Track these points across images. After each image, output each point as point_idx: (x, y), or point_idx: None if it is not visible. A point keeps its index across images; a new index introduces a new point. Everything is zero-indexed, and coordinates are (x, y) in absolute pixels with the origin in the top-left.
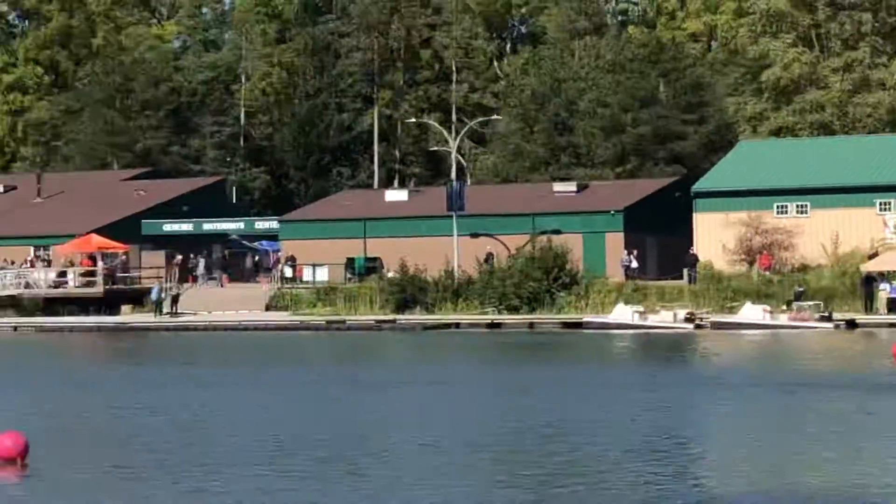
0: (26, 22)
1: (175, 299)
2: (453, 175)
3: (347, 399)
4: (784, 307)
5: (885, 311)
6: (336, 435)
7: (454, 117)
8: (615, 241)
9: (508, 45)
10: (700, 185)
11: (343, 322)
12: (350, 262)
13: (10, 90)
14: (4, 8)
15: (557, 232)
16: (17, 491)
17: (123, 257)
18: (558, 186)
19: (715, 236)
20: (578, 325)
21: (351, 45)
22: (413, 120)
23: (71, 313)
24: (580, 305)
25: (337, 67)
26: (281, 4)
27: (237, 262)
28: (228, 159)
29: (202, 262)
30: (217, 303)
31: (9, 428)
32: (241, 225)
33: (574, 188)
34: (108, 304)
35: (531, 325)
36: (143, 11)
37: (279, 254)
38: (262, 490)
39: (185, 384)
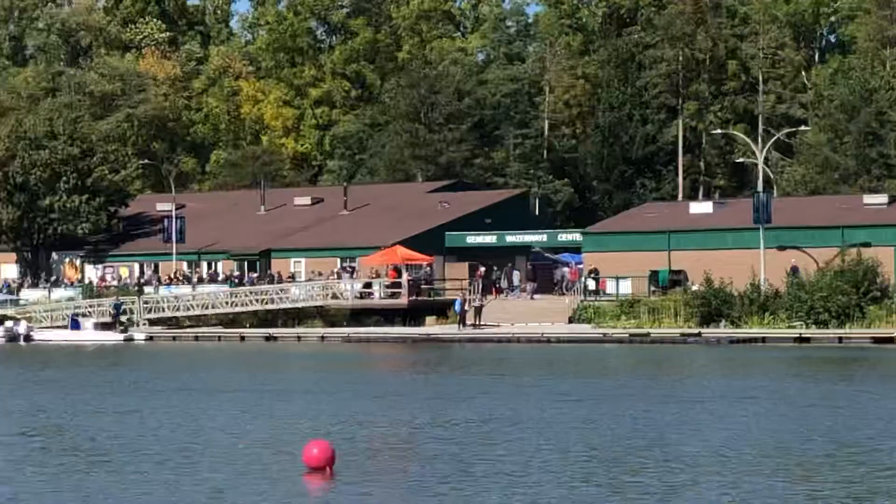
0: (333, 37)
1: (478, 311)
2: (759, 187)
3: (652, 412)
4: None
5: None
6: (637, 447)
7: (760, 128)
8: None
9: (817, 55)
10: None
11: (647, 335)
12: (654, 275)
13: (318, 104)
14: (313, 24)
15: (867, 245)
16: (324, 499)
17: (428, 269)
18: (868, 198)
19: None
20: (890, 339)
21: (655, 57)
22: (718, 131)
23: (376, 324)
24: (892, 320)
25: (641, 79)
26: (585, 16)
27: (541, 275)
28: (531, 171)
29: (516, 274)
30: (519, 314)
31: (316, 437)
32: (544, 237)
33: (885, 200)
34: (412, 314)
35: (840, 339)
36: (447, 25)
37: (581, 266)
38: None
39: (486, 395)
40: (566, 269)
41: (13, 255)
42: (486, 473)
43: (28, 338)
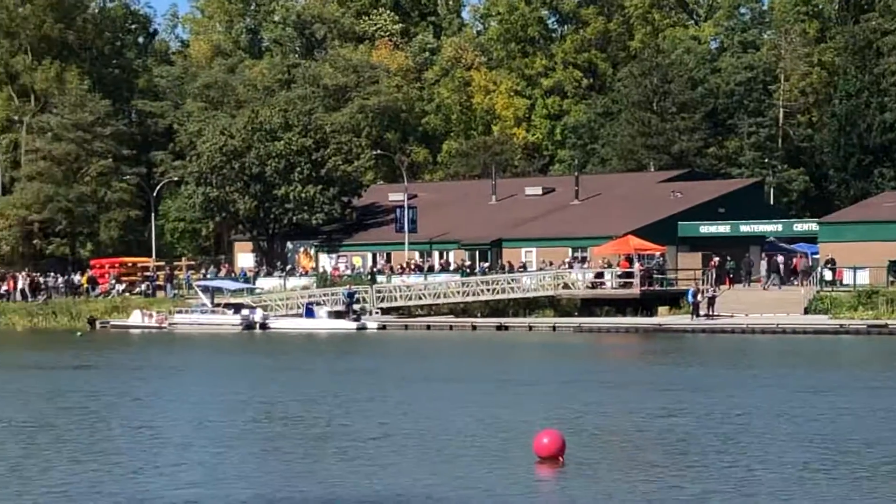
0: (565, 26)
1: (711, 301)
2: None
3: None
4: None
5: None
6: (869, 441)
7: None
8: None
9: None
10: None
11: (885, 326)
12: (893, 265)
13: (549, 94)
14: (544, 13)
15: None
16: (554, 487)
17: (660, 259)
18: None
19: None
20: None
21: (894, 43)
22: None
23: (607, 314)
24: None
25: (879, 66)
26: (822, 3)
27: (777, 265)
28: (766, 160)
29: (763, 265)
30: (753, 305)
31: (547, 427)
32: (779, 227)
33: None
34: (644, 305)
35: None
36: (680, 13)
37: (816, 256)
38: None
39: (718, 385)
40: (781, 258)
41: (249, 244)
42: (716, 464)
43: (264, 326)
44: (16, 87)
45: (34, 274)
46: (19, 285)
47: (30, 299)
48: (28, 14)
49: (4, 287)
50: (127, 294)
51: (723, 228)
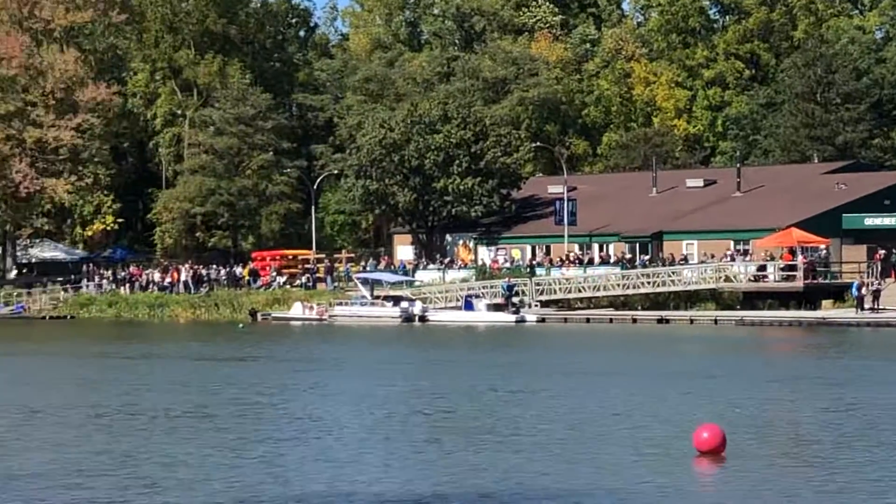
0: (726, 16)
1: (876, 294)
2: None
3: None
4: None
5: None
6: None
7: None
8: None
9: None
10: None
11: None
12: None
13: (710, 85)
14: (706, 3)
15: None
16: (713, 482)
17: (824, 251)
18: None
19: None
20: None
21: None
22: None
23: (770, 307)
24: None
25: None
26: None
27: None
28: None
29: None
30: None
31: (708, 421)
32: None
33: None
34: (807, 298)
35: None
36: (844, 3)
37: None
38: None
39: (883, 380)
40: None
41: (409, 237)
42: (879, 461)
43: (423, 318)
44: (179, 82)
45: (197, 266)
46: (182, 277)
47: (192, 291)
48: (191, 9)
49: (168, 279)
50: (287, 286)
51: (888, 221)
